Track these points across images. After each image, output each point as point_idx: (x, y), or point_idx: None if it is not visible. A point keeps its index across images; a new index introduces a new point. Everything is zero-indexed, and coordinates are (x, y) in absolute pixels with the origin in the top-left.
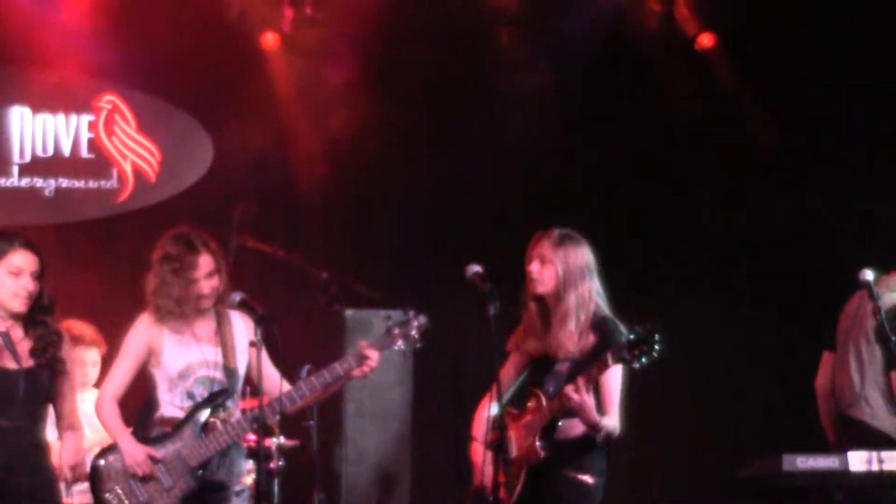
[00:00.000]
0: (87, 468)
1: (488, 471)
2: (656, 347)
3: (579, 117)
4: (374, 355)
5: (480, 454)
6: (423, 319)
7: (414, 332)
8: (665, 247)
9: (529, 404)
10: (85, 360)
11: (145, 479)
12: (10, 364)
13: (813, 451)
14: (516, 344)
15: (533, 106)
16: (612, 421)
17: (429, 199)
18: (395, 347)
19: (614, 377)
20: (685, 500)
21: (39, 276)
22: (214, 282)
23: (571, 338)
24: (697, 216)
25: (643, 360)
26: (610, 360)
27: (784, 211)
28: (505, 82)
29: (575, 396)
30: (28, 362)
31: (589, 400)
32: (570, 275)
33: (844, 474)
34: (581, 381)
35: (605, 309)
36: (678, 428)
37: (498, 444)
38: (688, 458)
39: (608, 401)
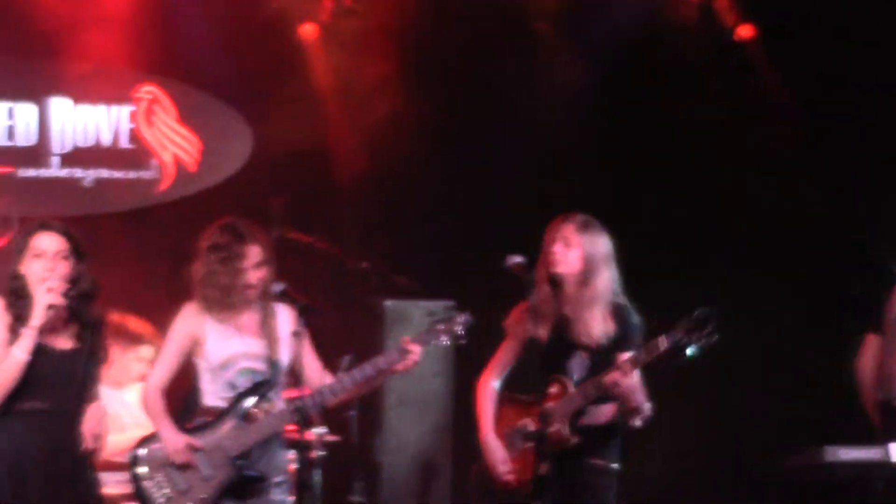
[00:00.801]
0: (107, 443)
1: (500, 457)
2: (713, 333)
3: (616, 109)
4: (416, 350)
5: (493, 439)
6: (467, 316)
7: (458, 329)
8: (699, 238)
9: (551, 390)
10: (146, 357)
11: (185, 467)
12: (67, 344)
13: (848, 442)
14: (516, 325)
15: (569, 98)
16: (649, 406)
17: (467, 189)
18: (439, 343)
19: None
20: (721, 492)
21: (69, 258)
22: (262, 272)
23: (597, 323)
24: (734, 207)
25: (700, 345)
26: (663, 344)
27: (821, 202)
28: (543, 74)
29: (625, 381)
30: (77, 346)
31: (638, 383)
32: (596, 259)
33: (886, 465)
34: (628, 366)
35: (621, 297)
36: (715, 420)
37: (539, 436)
38: (724, 450)
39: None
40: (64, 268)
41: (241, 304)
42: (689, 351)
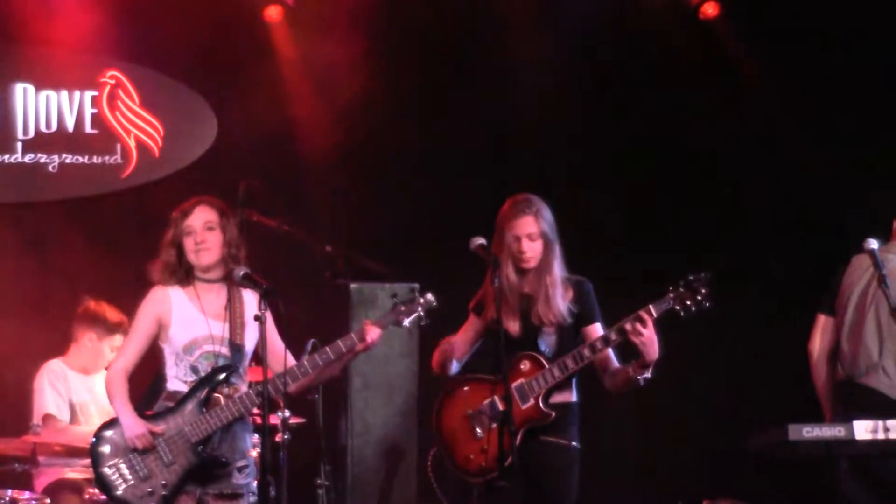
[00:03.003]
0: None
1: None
2: (706, 300)
3: (583, 88)
4: (375, 332)
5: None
6: (429, 297)
7: (420, 310)
8: (667, 218)
9: (522, 367)
10: (119, 346)
11: (145, 453)
12: None
13: (809, 420)
14: (480, 311)
15: (537, 77)
16: None
17: (433, 171)
18: (401, 324)
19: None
20: (691, 471)
21: None
22: (214, 237)
23: (559, 300)
24: (701, 184)
25: (692, 311)
26: (651, 314)
27: (785, 178)
28: (510, 53)
29: (646, 332)
30: None
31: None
32: (551, 243)
33: (850, 443)
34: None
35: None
36: (682, 399)
37: (505, 416)
38: (692, 429)
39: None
40: None
41: (198, 270)
42: (682, 314)
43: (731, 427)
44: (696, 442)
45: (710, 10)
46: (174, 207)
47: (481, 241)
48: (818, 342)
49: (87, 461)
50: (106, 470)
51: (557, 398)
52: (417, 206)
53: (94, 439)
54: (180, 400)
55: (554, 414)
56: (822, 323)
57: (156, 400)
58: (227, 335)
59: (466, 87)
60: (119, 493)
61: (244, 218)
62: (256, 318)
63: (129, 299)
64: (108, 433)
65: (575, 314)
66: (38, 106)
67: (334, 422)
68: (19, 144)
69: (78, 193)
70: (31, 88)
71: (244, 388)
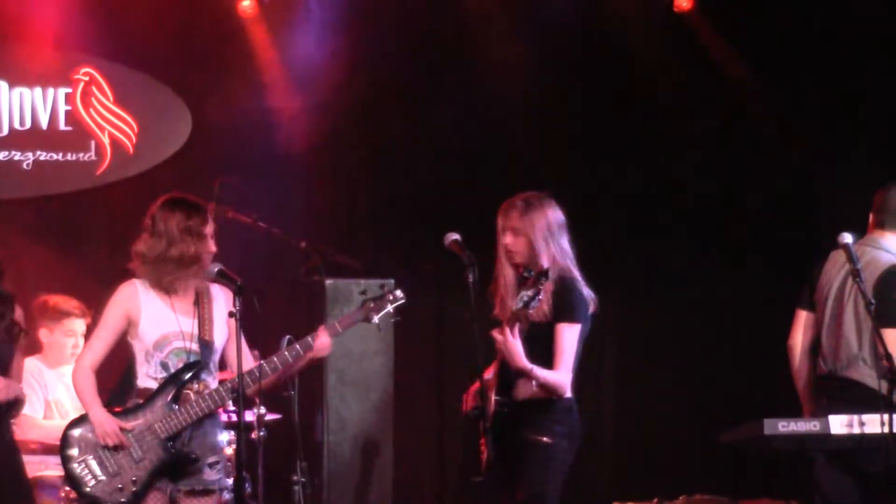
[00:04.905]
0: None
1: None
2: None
3: (559, 82)
4: (325, 335)
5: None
6: (399, 294)
7: (389, 307)
8: (646, 214)
9: (492, 366)
10: (76, 330)
11: (115, 449)
12: None
13: (788, 415)
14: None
15: (513, 72)
16: (555, 375)
17: (409, 167)
18: (370, 322)
19: (566, 334)
20: (667, 467)
21: None
22: (214, 244)
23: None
24: (678, 179)
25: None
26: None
27: (761, 171)
28: (485, 48)
29: (499, 338)
30: None
31: (512, 343)
32: (538, 241)
33: (826, 438)
34: (508, 324)
35: (573, 266)
36: (659, 395)
37: (479, 413)
38: (669, 425)
39: (556, 355)
40: None
41: (194, 276)
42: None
43: (707, 422)
44: (672, 437)
45: (684, 3)
46: (148, 204)
47: (455, 236)
48: (799, 338)
49: (56, 459)
50: (75, 466)
51: (525, 393)
52: (393, 201)
53: (63, 435)
54: (150, 396)
55: (495, 407)
56: (802, 318)
57: (126, 397)
58: (196, 332)
59: (444, 81)
60: (89, 489)
61: (219, 215)
62: (231, 314)
63: (102, 295)
64: (78, 429)
65: (550, 310)
66: (11, 103)
67: (310, 418)
68: None
69: (52, 191)
70: (4, 86)
71: (214, 384)
